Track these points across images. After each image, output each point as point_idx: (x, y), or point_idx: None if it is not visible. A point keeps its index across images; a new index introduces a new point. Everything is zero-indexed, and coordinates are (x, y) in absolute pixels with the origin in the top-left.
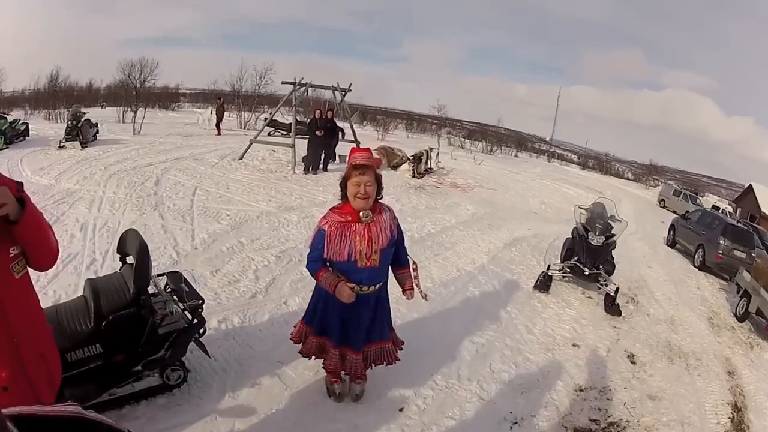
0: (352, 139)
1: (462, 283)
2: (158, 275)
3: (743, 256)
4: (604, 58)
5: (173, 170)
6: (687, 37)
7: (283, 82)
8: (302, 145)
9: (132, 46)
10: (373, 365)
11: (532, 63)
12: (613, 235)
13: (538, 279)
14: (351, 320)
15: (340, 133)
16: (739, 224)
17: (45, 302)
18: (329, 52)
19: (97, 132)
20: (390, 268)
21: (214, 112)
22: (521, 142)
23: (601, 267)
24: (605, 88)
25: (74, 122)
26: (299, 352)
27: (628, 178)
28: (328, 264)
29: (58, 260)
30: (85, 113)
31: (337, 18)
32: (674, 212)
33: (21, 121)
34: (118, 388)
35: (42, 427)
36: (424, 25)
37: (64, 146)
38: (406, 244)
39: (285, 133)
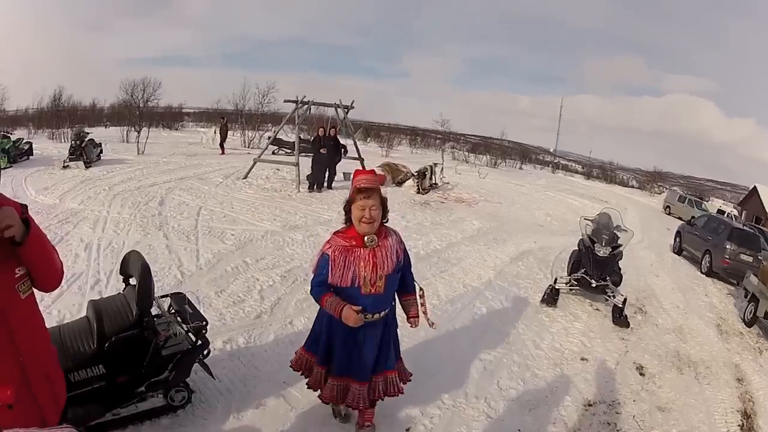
0: (356, 156)
1: (469, 299)
2: (162, 296)
3: (750, 259)
4: (604, 66)
5: (177, 190)
6: (685, 39)
7: (285, 101)
8: (306, 163)
9: (133, 66)
10: (380, 398)
11: (533, 74)
12: (620, 245)
13: (545, 293)
14: (355, 348)
15: (342, 150)
16: (744, 227)
17: (49, 321)
18: (331, 69)
19: (101, 152)
20: (396, 293)
21: (217, 131)
22: (525, 154)
23: (608, 278)
24: (606, 96)
25: (78, 142)
26: (306, 384)
27: (632, 186)
28: (332, 289)
29: (62, 281)
30: (88, 133)
31: (338, 35)
32: (680, 218)
33: (25, 140)
34: (121, 409)
35: None
36: (424, 39)
37: (68, 166)
38: (412, 261)
39: (289, 151)
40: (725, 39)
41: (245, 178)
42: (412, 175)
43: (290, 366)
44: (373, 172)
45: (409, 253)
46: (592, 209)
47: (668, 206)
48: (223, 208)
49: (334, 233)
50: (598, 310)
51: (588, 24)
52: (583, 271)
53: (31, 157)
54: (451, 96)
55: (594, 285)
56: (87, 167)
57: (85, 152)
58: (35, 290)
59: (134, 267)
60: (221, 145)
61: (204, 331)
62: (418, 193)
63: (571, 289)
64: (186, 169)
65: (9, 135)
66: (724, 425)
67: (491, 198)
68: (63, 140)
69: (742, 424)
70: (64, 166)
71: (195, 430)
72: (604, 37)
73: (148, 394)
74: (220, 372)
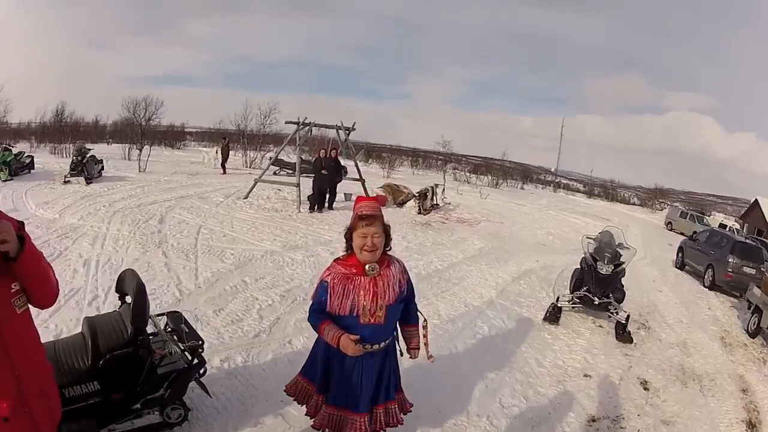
0: (357, 177)
1: (470, 318)
2: (158, 315)
3: (753, 272)
4: (605, 85)
5: (178, 208)
6: (685, 56)
7: (287, 122)
8: (307, 183)
9: (137, 84)
10: (382, 430)
11: (534, 94)
12: (622, 263)
13: (547, 311)
14: (352, 378)
15: (343, 171)
16: (746, 240)
17: (46, 336)
18: (333, 91)
19: (102, 168)
20: (398, 323)
21: (219, 151)
22: (527, 174)
23: (611, 295)
24: (607, 115)
25: (79, 158)
26: (307, 415)
27: (634, 204)
28: (331, 317)
29: (60, 295)
30: (90, 149)
31: (340, 57)
32: (682, 234)
33: (26, 154)
34: (117, 425)
35: None
36: (425, 61)
37: (69, 181)
38: (413, 281)
39: (290, 172)
40: (725, 55)
41: (246, 197)
42: (414, 195)
43: (284, 390)
44: (375, 198)
45: (410, 272)
46: (594, 227)
47: (670, 222)
48: (224, 227)
49: (335, 260)
50: (601, 326)
51: (588, 44)
52: (585, 288)
53: (32, 170)
54: (452, 117)
55: (597, 302)
56: (88, 183)
57: (86, 168)
58: (31, 306)
59: (129, 286)
60: (223, 165)
61: (200, 351)
62: (420, 213)
63: (573, 307)
64: (187, 188)
65: (11, 148)
66: None
67: (493, 218)
68: (65, 155)
69: None
70: (65, 181)
71: None
72: (604, 57)
73: (143, 411)
74: (218, 390)
